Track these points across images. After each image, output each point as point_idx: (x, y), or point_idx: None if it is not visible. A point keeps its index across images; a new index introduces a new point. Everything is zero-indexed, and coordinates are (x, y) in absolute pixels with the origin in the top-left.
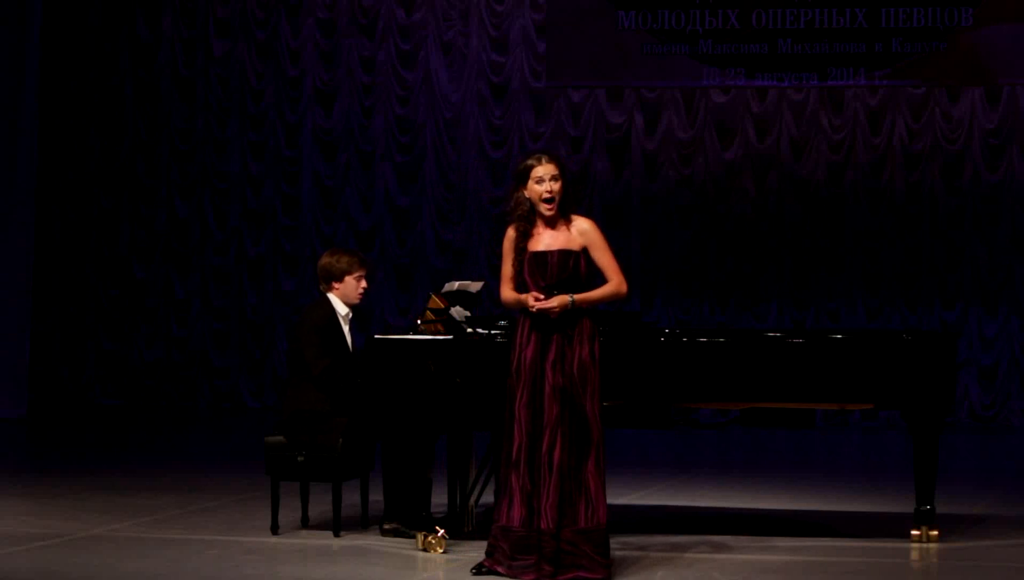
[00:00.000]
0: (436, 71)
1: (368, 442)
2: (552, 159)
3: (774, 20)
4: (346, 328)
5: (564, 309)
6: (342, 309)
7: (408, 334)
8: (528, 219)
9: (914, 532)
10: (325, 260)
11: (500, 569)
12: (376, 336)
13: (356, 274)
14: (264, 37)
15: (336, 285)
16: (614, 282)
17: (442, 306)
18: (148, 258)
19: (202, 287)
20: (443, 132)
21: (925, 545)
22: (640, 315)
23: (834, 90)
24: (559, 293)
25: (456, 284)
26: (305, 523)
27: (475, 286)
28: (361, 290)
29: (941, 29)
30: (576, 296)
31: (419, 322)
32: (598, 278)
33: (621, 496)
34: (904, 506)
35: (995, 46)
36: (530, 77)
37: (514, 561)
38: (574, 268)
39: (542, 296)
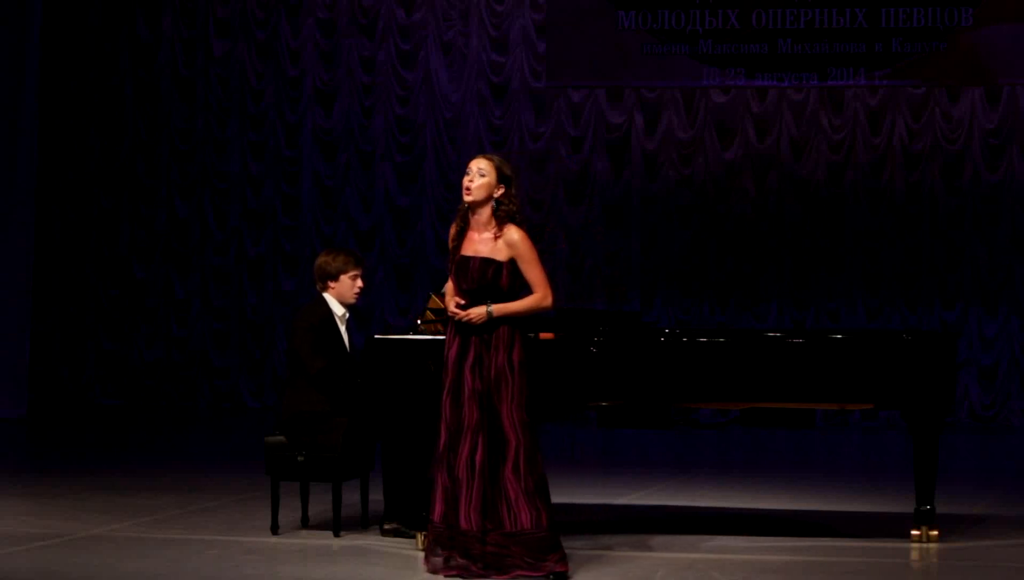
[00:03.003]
0: (436, 71)
1: (368, 442)
2: (489, 158)
3: (774, 20)
4: (343, 328)
5: (482, 320)
6: (338, 309)
7: (408, 334)
8: (465, 218)
9: (914, 532)
10: (320, 260)
11: (427, 566)
12: (376, 336)
13: (351, 273)
14: (264, 37)
15: (332, 284)
16: (537, 295)
17: (442, 306)
18: (148, 258)
19: (202, 287)
20: (443, 132)
21: (925, 545)
22: (640, 315)
23: (834, 90)
24: (479, 300)
25: None
26: (305, 523)
27: None
28: (357, 289)
29: (941, 29)
30: (495, 307)
31: (419, 322)
32: (525, 288)
33: (621, 496)
34: (904, 506)
35: (995, 46)
36: (530, 77)
37: (435, 556)
38: (493, 278)
39: (463, 302)
